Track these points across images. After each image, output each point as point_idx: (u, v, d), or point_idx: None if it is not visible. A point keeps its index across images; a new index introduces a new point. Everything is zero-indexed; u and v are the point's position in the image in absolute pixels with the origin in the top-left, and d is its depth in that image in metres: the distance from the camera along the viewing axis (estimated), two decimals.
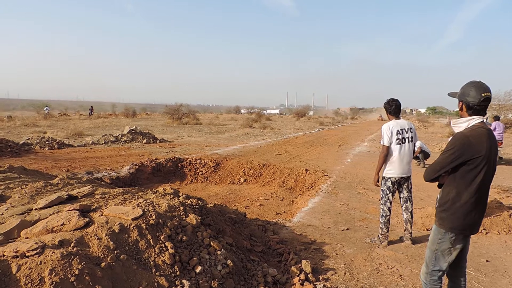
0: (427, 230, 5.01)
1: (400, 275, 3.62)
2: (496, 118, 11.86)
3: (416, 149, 10.79)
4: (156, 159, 10.38)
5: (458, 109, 2.42)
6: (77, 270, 2.27)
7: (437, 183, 2.46)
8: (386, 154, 4.29)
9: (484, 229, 4.90)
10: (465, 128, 2.31)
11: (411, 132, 4.35)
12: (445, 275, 2.46)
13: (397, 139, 4.26)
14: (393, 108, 4.39)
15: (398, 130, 4.27)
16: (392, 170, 4.30)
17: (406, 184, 4.41)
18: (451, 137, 2.36)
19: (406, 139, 4.30)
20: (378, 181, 4.43)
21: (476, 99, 2.25)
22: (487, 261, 4.04)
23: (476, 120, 2.29)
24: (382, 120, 54.64)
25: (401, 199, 4.48)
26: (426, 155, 10.98)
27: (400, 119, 4.41)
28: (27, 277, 2.16)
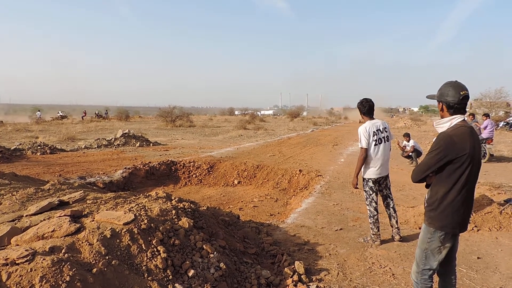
0: (419, 228, 5.04)
1: (393, 274, 3.64)
2: (487, 116, 11.98)
3: (409, 148, 10.88)
4: (150, 162, 10.35)
5: (439, 110, 2.45)
6: (68, 276, 2.26)
7: (425, 183, 2.49)
8: (366, 157, 4.29)
9: (475, 226, 4.95)
10: (448, 127, 2.34)
11: (386, 131, 4.38)
12: (435, 273, 2.49)
13: (374, 140, 4.28)
14: (367, 109, 4.38)
15: (374, 131, 4.29)
16: (372, 171, 4.32)
17: (385, 183, 4.46)
18: (435, 138, 2.40)
19: (383, 139, 4.33)
20: (357, 184, 4.46)
21: (456, 98, 2.29)
22: (478, 258, 4.08)
23: (457, 119, 2.33)
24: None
25: (382, 197, 4.53)
26: (418, 153, 11.06)
27: (374, 119, 4.41)
28: (18, 285, 2.14)
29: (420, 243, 2.47)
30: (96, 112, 41.63)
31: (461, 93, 2.29)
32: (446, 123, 2.37)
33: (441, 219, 2.32)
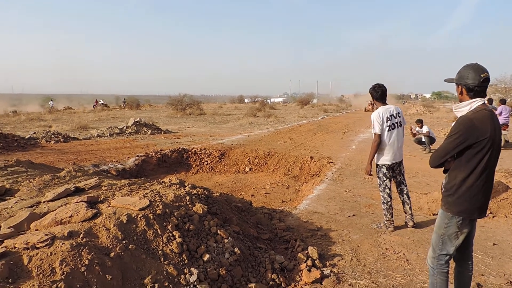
0: (433, 215, 5.01)
1: (407, 260, 3.63)
2: (503, 102, 11.73)
3: (424, 131, 10.73)
4: (161, 150, 10.43)
5: (458, 94, 2.39)
6: (87, 260, 2.31)
7: (443, 168, 2.44)
8: (379, 143, 4.24)
9: (490, 212, 4.88)
10: (468, 111, 2.28)
11: (399, 116, 4.31)
12: (452, 259, 2.47)
13: (388, 126, 4.22)
14: (380, 94, 4.31)
15: (388, 117, 4.22)
16: (386, 157, 4.27)
17: (398, 169, 4.42)
18: (454, 122, 2.33)
19: (396, 124, 4.26)
20: (371, 171, 4.42)
21: (476, 81, 2.23)
22: (494, 244, 4.03)
23: (477, 102, 2.27)
24: (373, 109, 38.51)
25: (395, 183, 4.50)
26: (431, 140, 10.91)
27: (387, 104, 4.35)
28: (39, 268, 2.19)
29: (437, 228, 2.44)
30: (124, 99, 42.60)
31: (482, 75, 2.22)
32: (466, 106, 2.31)
33: (458, 204, 2.28)
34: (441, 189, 2.46)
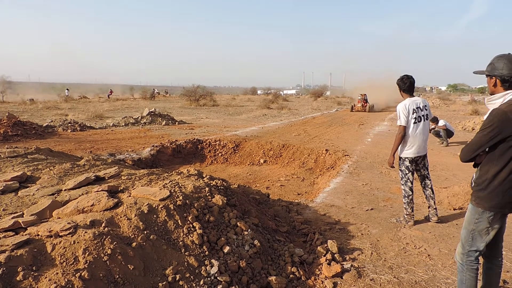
0: (454, 209, 4.91)
1: (429, 255, 3.56)
2: None
3: (439, 125, 10.51)
4: (176, 140, 10.46)
5: (490, 86, 2.29)
6: (109, 249, 2.31)
7: (473, 162, 2.36)
8: (404, 135, 4.15)
9: None
10: (501, 104, 2.19)
11: (426, 109, 4.20)
12: (481, 255, 2.39)
13: (413, 118, 4.12)
14: (407, 86, 4.19)
15: (414, 109, 4.12)
16: (409, 150, 4.19)
17: (423, 163, 4.32)
18: (487, 114, 2.24)
19: (422, 117, 4.16)
20: (393, 163, 4.33)
21: None
22: None
23: (511, 94, 2.17)
24: (364, 108, 26.14)
25: (419, 177, 4.41)
26: (449, 133, 10.69)
27: (414, 96, 4.24)
28: (62, 256, 2.20)
29: (467, 223, 2.36)
30: (165, 90, 43.41)
31: None
32: (499, 99, 2.21)
33: (490, 199, 2.20)
34: (471, 183, 2.38)
